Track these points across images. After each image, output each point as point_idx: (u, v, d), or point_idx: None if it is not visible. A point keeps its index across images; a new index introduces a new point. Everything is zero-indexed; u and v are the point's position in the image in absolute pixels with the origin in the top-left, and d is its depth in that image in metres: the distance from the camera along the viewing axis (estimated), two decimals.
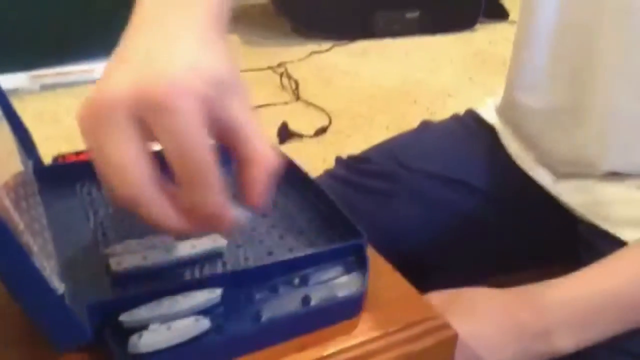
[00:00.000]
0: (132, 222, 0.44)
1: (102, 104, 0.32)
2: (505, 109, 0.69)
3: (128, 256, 0.40)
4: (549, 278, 0.54)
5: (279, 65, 1.90)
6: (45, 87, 1.67)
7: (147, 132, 0.32)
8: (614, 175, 0.60)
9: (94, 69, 1.71)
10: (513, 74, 0.68)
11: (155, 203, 0.33)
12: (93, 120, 0.32)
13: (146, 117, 0.32)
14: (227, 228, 0.35)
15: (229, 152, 0.36)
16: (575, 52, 0.59)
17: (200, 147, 0.32)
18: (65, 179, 0.48)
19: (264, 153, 0.35)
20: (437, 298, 0.50)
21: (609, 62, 0.56)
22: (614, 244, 0.57)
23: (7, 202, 0.32)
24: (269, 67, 1.89)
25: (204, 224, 0.35)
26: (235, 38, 2.22)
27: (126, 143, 0.32)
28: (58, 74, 1.68)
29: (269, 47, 2.14)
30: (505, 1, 2.48)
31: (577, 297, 0.49)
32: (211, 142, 0.33)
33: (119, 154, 0.32)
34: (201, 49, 0.35)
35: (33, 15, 1.68)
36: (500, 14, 2.46)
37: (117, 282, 0.38)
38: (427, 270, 0.69)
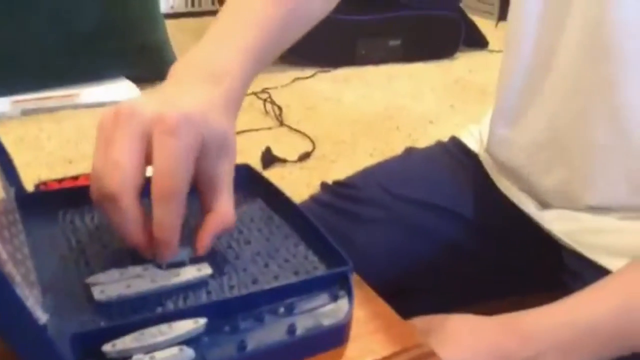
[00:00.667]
0: (115, 251, 0.44)
1: (126, 112, 0.39)
2: (490, 142, 0.70)
3: (111, 285, 0.39)
4: (532, 303, 0.54)
5: (263, 91, 1.91)
6: (26, 112, 1.66)
7: (149, 154, 0.39)
8: (598, 208, 0.61)
9: (77, 93, 1.70)
10: (496, 108, 0.69)
11: (129, 207, 0.38)
12: (113, 121, 0.39)
13: (153, 134, 0.38)
14: (165, 256, 0.40)
15: (199, 199, 0.43)
16: (554, 92, 0.60)
17: (181, 171, 0.39)
18: (47, 207, 0.48)
19: (226, 210, 0.42)
20: (422, 323, 0.50)
21: (588, 101, 0.57)
22: (599, 272, 0.58)
23: None
24: (253, 93, 1.90)
25: (153, 244, 0.40)
26: None
27: (130, 146, 0.38)
28: (39, 99, 1.67)
29: None
30: (484, 30, 2.52)
31: (561, 325, 0.50)
32: (190, 175, 0.40)
33: (120, 151, 0.38)
34: (215, 112, 0.43)
35: (14, 40, 1.67)
36: (479, 42, 2.50)
37: (100, 311, 0.38)
38: (410, 294, 0.69)
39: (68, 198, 0.49)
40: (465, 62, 2.34)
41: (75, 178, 0.53)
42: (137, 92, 1.83)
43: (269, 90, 1.91)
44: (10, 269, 0.31)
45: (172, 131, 0.38)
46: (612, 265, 0.58)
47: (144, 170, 0.39)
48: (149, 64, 1.94)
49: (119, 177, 0.38)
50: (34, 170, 1.31)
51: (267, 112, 1.77)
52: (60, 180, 0.52)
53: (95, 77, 1.76)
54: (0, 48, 1.65)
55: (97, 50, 1.76)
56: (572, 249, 0.62)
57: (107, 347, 0.34)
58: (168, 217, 0.38)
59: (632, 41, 0.53)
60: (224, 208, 0.42)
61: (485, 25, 2.61)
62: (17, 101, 1.64)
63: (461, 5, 2.47)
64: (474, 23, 2.50)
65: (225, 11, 0.54)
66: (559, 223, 0.63)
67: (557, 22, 0.58)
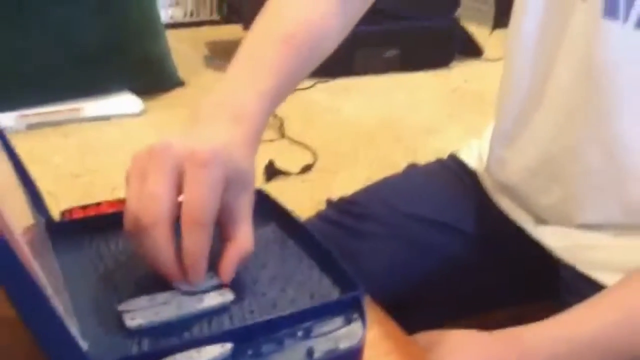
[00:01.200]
0: (141, 277, 0.46)
1: (159, 147, 0.43)
2: (489, 161, 0.73)
3: (141, 312, 0.42)
4: (531, 315, 0.57)
5: None
6: (32, 127, 1.68)
7: (180, 186, 0.42)
8: (592, 225, 0.64)
9: (81, 107, 1.73)
10: (494, 130, 0.71)
11: (165, 237, 0.41)
12: (147, 157, 0.43)
13: (185, 167, 0.42)
14: (194, 282, 0.43)
15: (220, 229, 0.45)
16: (548, 121, 0.63)
17: (211, 201, 0.42)
18: (75, 235, 0.50)
19: (246, 239, 0.45)
20: (425, 339, 0.53)
21: (581, 130, 0.60)
22: (594, 286, 0.60)
23: (36, 266, 0.34)
24: None
25: (183, 271, 0.42)
26: (220, 76, 2.26)
27: (165, 179, 0.42)
28: (44, 113, 1.69)
29: None
30: (479, 38, 2.56)
31: (559, 341, 0.52)
32: (217, 206, 0.42)
33: (156, 184, 0.41)
34: (237, 150, 0.47)
35: (18, 55, 1.69)
36: (474, 51, 2.53)
37: (132, 338, 0.40)
38: (412, 308, 0.72)
39: (94, 225, 0.51)
40: (461, 71, 2.37)
41: (98, 205, 0.56)
42: (140, 105, 1.85)
43: None
44: (56, 302, 0.34)
45: (204, 164, 0.42)
46: (606, 279, 0.61)
47: (177, 202, 0.42)
48: (151, 76, 1.97)
49: (156, 208, 0.41)
50: (42, 185, 1.33)
51: (268, 124, 1.79)
52: (84, 208, 0.55)
53: (99, 91, 1.79)
54: (5, 63, 1.67)
55: (101, 64, 1.79)
56: (568, 263, 0.65)
57: None
58: (198, 244, 0.41)
59: (626, 69, 0.55)
60: (244, 237, 0.45)
61: (480, 33, 2.64)
62: (23, 116, 1.66)
63: (456, 14, 2.50)
64: (468, 32, 2.53)
65: (242, 53, 0.57)
66: (555, 239, 0.66)
67: (554, 50, 0.61)
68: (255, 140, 0.51)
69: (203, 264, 0.42)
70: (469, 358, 0.52)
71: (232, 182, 0.44)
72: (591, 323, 0.53)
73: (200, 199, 0.41)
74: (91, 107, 1.75)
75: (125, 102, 1.84)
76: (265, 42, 0.58)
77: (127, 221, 0.43)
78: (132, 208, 0.42)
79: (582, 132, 0.60)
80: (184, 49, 2.53)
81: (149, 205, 0.41)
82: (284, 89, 0.57)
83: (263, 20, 0.61)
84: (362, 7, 0.68)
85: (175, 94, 2.03)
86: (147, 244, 0.41)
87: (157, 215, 0.41)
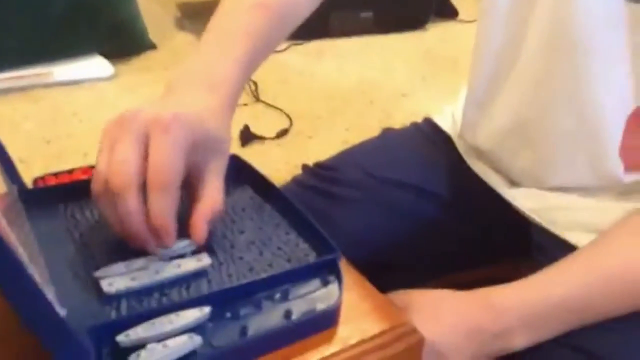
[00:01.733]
0: (118, 243, 0.46)
1: (128, 116, 0.44)
2: (462, 125, 0.73)
3: (118, 278, 0.42)
4: (504, 275, 0.58)
5: None
6: (0, 92, 1.64)
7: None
8: (563, 187, 0.65)
9: (50, 71, 1.69)
10: (467, 94, 0.72)
11: (135, 202, 0.41)
12: (117, 125, 0.44)
13: (150, 133, 0.43)
14: (166, 244, 0.43)
15: (191, 192, 0.46)
16: (522, 82, 0.64)
17: (172, 164, 0.42)
18: (48, 202, 0.50)
19: (214, 196, 0.46)
20: (400, 298, 0.54)
21: (554, 91, 0.60)
22: (564, 247, 0.62)
23: (11, 234, 0.34)
24: None
25: (153, 233, 0.43)
26: (192, 38, 2.22)
27: (133, 146, 0.42)
28: (11, 78, 1.65)
29: None
30: (455, 1, 2.54)
31: (531, 300, 0.54)
32: (182, 169, 0.43)
33: (125, 151, 0.42)
34: (211, 116, 0.48)
35: None
36: (449, 13, 2.52)
37: (110, 304, 0.41)
38: (388, 269, 0.73)
39: (68, 192, 0.51)
40: (436, 33, 2.36)
41: (71, 172, 0.55)
42: (110, 69, 1.82)
43: None
44: (32, 270, 0.34)
45: (166, 128, 0.43)
46: (577, 240, 0.62)
47: (145, 166, 0.42)
48: (122, 40, 1.92)
49: (125, 173, 0.41)
50: (13, 152, 1.30)
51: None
52: (56, 175, 0.54)
53: (68, 55, 1.74)
54: None
55: (70, 27, 1.73)
56: (539, 224, 0.67)
57: (121, 337, 0.37)
58: (163, 206, 0.42)
59: (598, 35, 0.56)
60: (212, 196, 0.46)
61: None
62: None
63: None
64: None
65: (215, 20, 0.58)
66: (526, 201, 0.68)
67: (526, 13, 0.61)
68: (231, 107, 0.51)
69: (171, 225, 0.43)
70: (444, 320, 0.53)
71: (201, 146, 0.45)
72: (562, 284, 0.54)
73: (162, 162, 0.42)
74: (61, 71, 1.71)
75: (95, 66, 1.79)
76: (239, 9, 0.58)
77: (96, 188, 0.43)
78: (102, 174, 0.43)
79: (554, 96, 0.60)
80: (154, 10, 2.47)
81: (118, 171, 0.41)
82: (259, 55, 0.57)
83: None
84: None
85: (147, 57, 1.99)
86: (118, 209, 0.42)
87: (126, 180, 0.41)
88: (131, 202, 0.41)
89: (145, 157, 0.42)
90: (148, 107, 0.45)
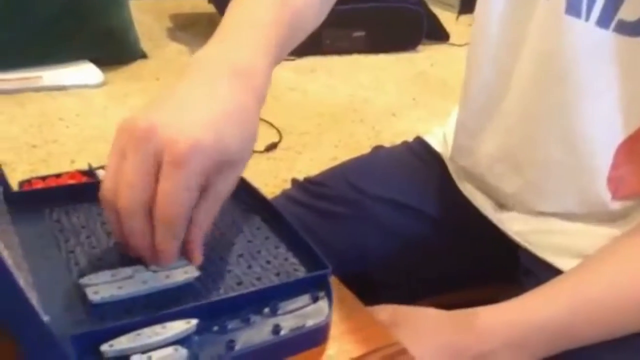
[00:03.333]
0: (104, 251, 0.46)
1: (142, 130, 0.40)
2: (453, 148, 0.74)
3: (104, 286, 0.41)
4: (490, 297, 0.58)
5: None
6: None
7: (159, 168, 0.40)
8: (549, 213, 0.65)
9: (39, 76, 1.67)
10: (458, 119, 0.72)
11: (139, 224, 0.40)
12: (129, 137, 0.40)
13: (163, 159, 0.40)
14: (164, 266, 0.42)
15: None
16: (511, 113, 0.64)
17: (182, 200, 0.40)
18: (34, 206, 0.49)
19: (206, 220, 0.43)
20: (384, 312, 0.54)
21: (542, 122, 0.60)
22: (551, 271, 0.62)
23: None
24: None
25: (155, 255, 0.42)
26: (183, 49, 2.22)
27: (142, 169, 0.40)
28: (1, 80, 1.63)
29: None
30: (445, 23, 2.57)
31: (515, 323, 0.53)
32: (193, 201, 0.41)
33: (134, 174, 0.39)
34: (233, 118, 0.42)
35: None
36: (441, 36, 2.55)
37: (95, 312, 0.40)
38: (374, 287, 0.73)
39: (54, 197, 0.50)
40: (427, 55, 2.38)
41: (58, 176, 0.54)
42: (100, 76, 1.81)
43: None
44: (16, 274, 0.33)
45: (181, 163, 0.39)
46: (563, 264, 0.62)
47: (155, 188, 0.40)
48: (113, 47, 1.92)
49: (132, 197, 0.39)
50: None
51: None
52: (43, 178, 0.53)
53: (58, 60, 1.73)
54: None
55: (61, 32, 1.73)
56: (526, 248, 0.66)
57: (105, 347, 0.36)
58: (168, 239, 0.40)
59: (584, 67, 0.56)
60: (204, 218, 0.43)
61: (446, 18, 2.66)
62: None
63: None
64: (435, 16, 2.54)
65: (235, 12, 0.53)
66: (514, 224, 0.68)
67: (514, 48, 0.62)
68: (262, 99, 0.46)
69: (173, 253, 0.41)
70: (428, 340, 0.53)
71: (219, 167, 0.42)
72: (546, 308, 0.54)
73: (171, 200, 0.39)
74: (50, 76, 1.70)
75: (85, 72, 1.79)
76: (258, 3, 0.53)
77: (104, 201, 0.41)
78: (109, 187, 0.41)
79: (543, 125, 0.60)
80: (147, 20, 2.47)
81: (125, 193, 0.40)
82: (280, 50, 0.52)
83: None
84: None
85: (137, 66, 1.99)
86: (123, 225, 0.41)
87: (132, 204, 0.40)
88: (136, 224, 0.40)
89: (154, 181, 0.40)
90: (164, 120, 0.41)
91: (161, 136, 0.40)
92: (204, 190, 0.42)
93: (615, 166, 0.58)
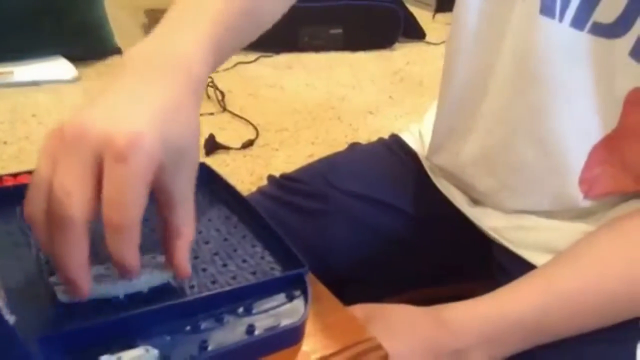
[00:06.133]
0: None
1: (72, 132, 0.36)
2: (430, 147, 0.74)
3: None
4: (466, 292, 0.58)
5: None
6: None
7: (100, 171, 0.36)
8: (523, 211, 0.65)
9: (10, 71, 1.64)
10: (436, 120, 0.72)
11: (78, 238, 0.35)
12: (60, 142, 0.36)
13: (104, 157, 0.35)
14: (129, 277, 0.38)
15: (157, 208, 0.40)
16: (487, 115, 0.64)
17: (132, 201, 0.35)
18: (5, 203, 0.48)
19: (189, 227, 0.40)
20: (362, 312, 0.54)
21: (517, 125, 0.60)
22: (524, 266, 0.62)
23: None
24: None
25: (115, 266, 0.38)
26: None
27: (80, 174, 0.35)
28: None
29: None
30: (422, 21, 2.58)
31: (489, 318, 0.54)
32: (145, 201, 0.36)
33: (71, 180, 0.35)
34: (170, 115, 0.39)
35: None
36: (417, 34, 2.56)
37: (64, 312, 0.39)
38: (350, 283, 0.73)
39: (25, 193, 0.49)
40: (403, 54, 2.39)
41: (30, 173, 0.53)
42: (73, 71, 1.78)
43: (211, 75, 1.89)
44: None
45: (123, 157, 0.35)
46: (535, 259, 0.63)
47: (97, 195, 0.36)
48: (87, 42, 1.89)
49: (71, 208, 0.35)
50: None
51: (209, 97, 1.76)
52: (15, 175, 0.52)
53: (31, 55, 1.70)
54: None
55: (33, 27, 1.70)
56: (500, 243, 0.67)
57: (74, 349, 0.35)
58: (123, 247, 0.36)
59: (560, 68, 0.56)
60: (187, 228, 0.40)
61: (422, 16, 2.67)
62: None
63: None
64: (412, 14, 2.55)
65: (174, 8, 0.49)
66: (488, 219, 0.68)
67: (492, 48, 0.62)
68: (201, 91, 0.43)
69: (134, 263, 0.37)
70: (404, 337, 0.53)
71: (166, 164, 0.38)
72: (519, 302, 0.54)
73: (119, 200, 0.35)
74: (22, 71, 1.67)
75: (58, 67, 1.76)
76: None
77: (32, 216, 0.36)
78: (37, 202, 0.36)
79: (519, 127, 0.61)
80: (122, 15, 2.44)
81: (61, 205, 0.34)
82: (223, 43, 0.48)
83: None
84: None
85: (111, 61, 1.96)
86: (57, 246, 0.36)
87: (70, 215, 0.34)
88: (73, 239, 0.35)
89: (94, 186, 0.35)
90: (96, 116, 0.36)
91: (96, 134, 0.35)
92: (165, 197, 0.39)
93: (588, 167, 0.59)
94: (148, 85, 0.40)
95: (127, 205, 0.35)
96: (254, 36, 0.57)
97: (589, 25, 0.53)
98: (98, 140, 0.35)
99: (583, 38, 0.54)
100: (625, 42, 0.52)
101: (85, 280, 0.37)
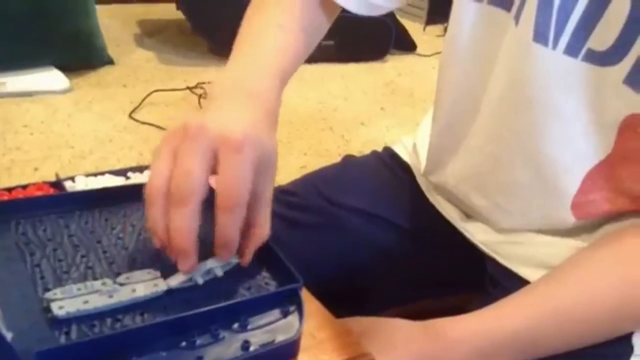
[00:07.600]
0: (70, 265, 0.45)
1: (195, 126, 0.43)
2: (427, 166, 0.74)
3: (69, 300, 0.40)
4: (459, 305, 0.58)
5: (197, 85, 1.90)
6: None
7: (213, 168, 0.43)
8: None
9: (4, 82, 1.64)
10: (430, 138, 0.73)
11: (195, 214, 0.41)
12: (181, 136, 0.43)
13: (220, 151, 0.43)
14: (226, 258, 0.45)
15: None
16: (480, 135, 0.64)
17: (244, 185, 0.43)
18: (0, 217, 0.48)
19: (266, 224, 0.47)
20: (355, 324, 0.54)
21: (510, 146, 0.61)
22: (517, 281, 0.63)
23: None
24: (188, 88, 1.89)
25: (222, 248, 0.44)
26: (151, 55, 2.20)
27: (201, 159, 0.42)
28: None
29: (187, 66, 2.13)
30: (412, 34, 2.60)
31: (484, 333, 0.54)
32: (250, 189, 0.43)
33: (192, 162, 0.42)
34: (263, 132, 0.47)
35: None
36: (408, 46, 2.58)
37: (60, 328, 0.39)
38: (343, 297, 0.73)
39: (20, 209, 0.49)
40: (394, 65, 2.41)
41: (25, 187, 0.53)
42: (66, 82, 1.78)
43: (203, 86, 1.90)
44: None
45: (238, 149, 0.42)
46: (527, 273, 0.63)
47: (208, 182, 0.43)
48: (79, 53, 1.89)
49: (190, 184, 0.41)
50: None
51: (201, 108, 1.76)
52: (9, 190, 0.52)
53: (23, 65, 1.69)
54: None
55: (26, 37, 1.69)
56: (493, 258, 0.67)
57: None
58: (231, 225, 0.43)
59: (554, 94, 0.56)
60: (265, 223, 0.47)
61: (413, 29, 2.69)
62: None
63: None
64: (403, 27, 2.57)
65: (244, 37, 0.59)
66: (480, 234, 0.68)
67: (484, 72, 0.62)
68: (274, 118, 0.51)
69: (234, 242, 0.43)
70: (399, 352, 0.53)
71: (260, 165, 0.44)
72: (514, 318, 0.55)
73: (234, 184, 0.42)
74: (14, 82, 1.66)
75: (50, 78, 1.75)
76: (264, 28, 0.60)
77: (152, 193, 0.42)
78: (159, 182, 0.42)
79: (511, 148, 0.61)
80: (114, 26, 2.44)
81: (183, 181, 0.41)
82: (288, 72, 0.58)
83: (254, 13, 0.63)
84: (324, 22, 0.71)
85: (104, 72, 1.96)
86: (172, 220, 0.41)
87: (190, 191, 0.41)
88: (191, 213, 0.41)
89: (209, 172, 0.42)
90: (212, 120, 0.44)
91: (214, 130, 0.43)
92: (253, 199, 0.44)
93: (582, 191, 0.59)
94: (237, 107, 0.48)
95: (240, 188, 0.42)
96: (309, 52, 0.66)
97: (582, 52, 0.53)
98: (216, 136, 0.43)
99: (577, 65, 0.53)
100: (619, 70, 0.52)
101: (194, 252, 0.43)
